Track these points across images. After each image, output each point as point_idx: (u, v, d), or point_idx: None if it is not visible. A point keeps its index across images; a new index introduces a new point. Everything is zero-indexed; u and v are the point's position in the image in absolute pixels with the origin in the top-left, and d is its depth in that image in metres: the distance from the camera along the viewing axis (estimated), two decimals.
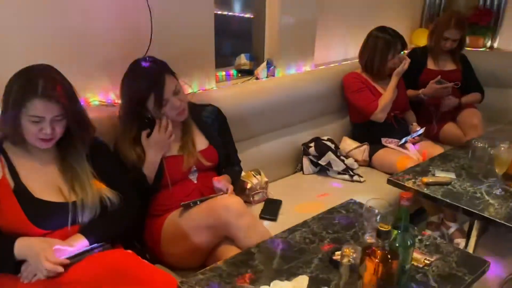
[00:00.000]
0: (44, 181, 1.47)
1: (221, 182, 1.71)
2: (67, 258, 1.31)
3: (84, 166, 1.53)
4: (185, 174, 1.78)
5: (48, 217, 1.43)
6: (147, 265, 1.36)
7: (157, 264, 1.70)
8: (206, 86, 2.31)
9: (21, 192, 1.41)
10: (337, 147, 2.56)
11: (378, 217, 1.33)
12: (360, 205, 1.70)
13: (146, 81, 1.65)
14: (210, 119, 1.91)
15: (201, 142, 1.85)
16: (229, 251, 1.55)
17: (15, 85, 1.38)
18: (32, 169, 1.47)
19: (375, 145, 2.60)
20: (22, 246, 1.33)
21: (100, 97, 1.99)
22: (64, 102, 1.40)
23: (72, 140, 1.51)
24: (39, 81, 1.36)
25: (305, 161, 2.48)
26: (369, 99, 2.57)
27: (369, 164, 2.61)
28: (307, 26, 2.70)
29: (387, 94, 2.55)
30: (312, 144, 2.48)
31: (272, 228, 1.89)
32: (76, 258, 1.32)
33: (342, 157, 2.48)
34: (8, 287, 1.35)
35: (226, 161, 1.93)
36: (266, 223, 1.98)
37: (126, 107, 1.71)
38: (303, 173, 2.49)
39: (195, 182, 1.80)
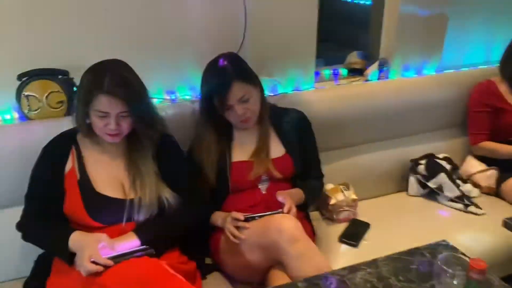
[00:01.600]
0: (108, 175, 1.48)
1: (283, 197, 1.52)
2: (110, 259, 1.29)
3: (148, 164, 1.50)
4: (253, 183, 1.64)
5: (105, 212, 1.43)
6: (176, 279, 1.27)
7: (217, 272, 1.62)
8: (303, 86, 2.12)
9: (84, 184, 1.44)
10: (455, 167, 2.14)
11: (455, 281, 1.01)
12: (454, 249, 1.36)
13: (214, 81, 1.55)
14: (291, 125, 1.73)
15: (276, 149, 1.69)
16: (278, 278, 1.37)
17: (85, 79, 1.41)
18: (99, 162, 1.49)
19: (508, 172, 2.10)
20: (74, 241, 1.35)
21: (191, 91, 1.96)
22: (129, 99, 1.37)
23: (139, 137, 1.49)
24: (106, 77, 1.36)
25: (412, 180, 2.13)
26: (480, 127, 2.18)
27: (496, 193, 2.13)
28: (435, 19, 2.27)
29: (504, 150, 2.11)
30: (423, 162, 2.11)
31: (350, 255, 1.67)
32: (117, 259, 1.30)
33: (458, 181, 2.06)
34: (65, 270, 1.38)
35: (305, 173, 1.73)
36: (344, 247, 1.74)
37: (201, 104, 1.64)
38: (407, 194, 2.14)
39: (264, 192, 1.65)
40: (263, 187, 1.66)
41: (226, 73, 1.53)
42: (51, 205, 1.44)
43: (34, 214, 1.44)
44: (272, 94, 2.01)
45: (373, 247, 1.72)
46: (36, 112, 1.68)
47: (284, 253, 1.35)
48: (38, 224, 1.43)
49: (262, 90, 1.67)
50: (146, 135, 1.49)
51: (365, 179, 2.09)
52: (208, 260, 1.68)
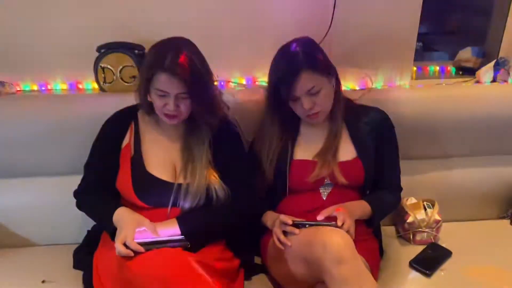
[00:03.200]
0: (162, 156, 1.44)
1: (331, 210, 1.34)
2: (142, 244, 1.24)
3: (202, 151, 1.42)
4: (314, 185, 1.47)
5: (151, 193, 1.39)
6: (200, 280, 1.17)
7: (263, 274, 1.51)
8: (398, 81, 1.86)
9: (136, 162, 1.41)
10: None
11: None
12: None
13: (282, 67, 1.39)
14: (368, 126, 1.51)
15: (346, 152, 1.49)
16: None
17: (148, 56, 1.36)
18: (156, 142, 1.45)
19: None
20: (118, 217, 1.33)
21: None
22: (188, 80, 1.30)
23: (198, 121, 1.42)
24: (167, 55, 1.29)
25: None
26: None
27: None
28: None
29: None
30: None
31: (418, 285, 1.45)
32: (149, 246, 1.24)
33: None
34: (111, 244, 1.38)
35: (378, 182, 1.51)
36: (414, 274, 1.50)
37: (267, 92, 1.49)
38: (511, 224, 1.78)
39: (324, 198, 1.47)
40: (324, 192, 1.48)
41: (295, 60, 1.36)
42: (106, 178, 1.43)
43: (89, 185, 1.46)
44: (356, 89, 1.80)
45: (449, 281, 1.46)
46: (110, 84, 1.70)
47: (327, 273, 1.17)
48: (91, 195, 1.44)
49: (338, 83, 1.47)
50: (204, 120, 1.41)
51: (457, 198, 1.78)
52: (257, 260, 1.57)
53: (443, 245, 1.62)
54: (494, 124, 1.76)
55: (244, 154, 1.53)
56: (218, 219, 1.40)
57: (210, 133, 1.44)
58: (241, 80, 1.84)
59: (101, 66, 1.67)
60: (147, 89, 1.36)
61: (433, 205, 1.67)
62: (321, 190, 1.48)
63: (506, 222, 1.80)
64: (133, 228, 1.28)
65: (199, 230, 1.36)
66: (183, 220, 1.35)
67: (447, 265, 1.54)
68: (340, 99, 1.49)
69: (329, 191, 1.47)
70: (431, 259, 1.55)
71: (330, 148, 1.48)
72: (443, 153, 1.80)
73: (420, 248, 1.61)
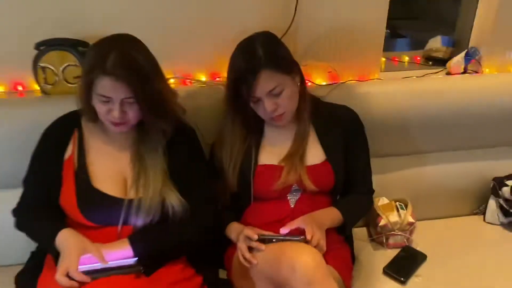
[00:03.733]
0: (110, 169, 1.29)
1: (297, 225, 1.23)
2: (89, 273, 1.10)
3: (156, 160, 1.28)
4: (281, 192, 1.35)
5: (99, 211, 1.24)
6: None
7: None
8: (367, 75, 1.76)
9: (81, 176, 1.26)
10: None
11: None
12: None
13: (241, 66, 1.26)
14: (338, 127, 1.40)
15: (314, 155, 1.38)
16: None
17: (88, 58, 1.21)
18: (102, 152, 1.30)
19: None
20: (59, 240, 1.18)
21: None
22: (134, 83, 1.15)
23: (149, 127, 1.27)
24: (109, 55, 1.14)
25: (492, 204, 1.70)
26: None
27: None
28: None
29: None
30: (509, 183, 1.67)
31: None
32: (96, 274, 1.10)
33: None
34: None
35: (349, 186, 1.41)
36: (389, 282, 1.42)
37: (227, 91, 1.35)
38: (484, 220, 1.72)
39: (292, 206, 1.36)
40: (292, 199, 1.37)
41: (254, 58, 1.23)
42: (48, 194, 1.27)
43: (29, 202, 1.29)
44: (323, 84, 1.68)
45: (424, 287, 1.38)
46: (52, 86, 1.52)
47: None
48: (31, 213, 1.28)
49: (303, 81, 1.36)
50: (155, 126, 1.26)
51: (430, 196, 1.71)
52: (222, 274, 1.45)
53: (417, 248, 1.54)
54: (467, 117, 1.69)
55: (204, 161, 1.40)
56: (176, 237, 1.27)
57: (164, 139, 1.30)
58: (200, 77, 1.69)
59: (40, 66, 1.49)
60: (89, 95, 1.20)
61: (406, 206, 1.59)
62: (288, 197, 1.37)
63: (479, 218, 1.74)
64: (77, 255, 1.13)
65: (154, 250, 1.23)
66: (136, 239, 1.22)
67: (422, 269, 1.46)
68: (305, 98, 1.37)
69: (297, 198, 1.37)
70: (405, 265, 1.47)
71: (297, 152, 1.36)
72: (415, 149, 1.72)
73: (393, 253, 1.53)
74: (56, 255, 1.17)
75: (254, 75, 1.21)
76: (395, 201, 1.61)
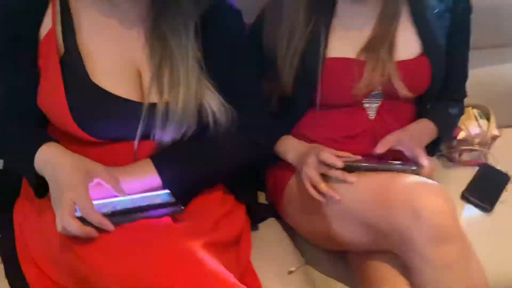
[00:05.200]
0: (114, 54, 0.84)
1: (408, 145, 0.88)
2: (107, 215, 0.71)
3: (186, 43, 0.83)
4: (356, 98, 0.97)
5: (105, 119, 0.82)
6: (202, 270, 0.69)
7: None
8: None
9: (71, 66, 0.80)
10: None
11: None
12: None
13: None
14: (440, 10, 0.98)
15: (407, 46, 0.97)
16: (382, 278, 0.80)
17: None
18: (102, 30, 0.83)
19: None
20: (43, 160, 0.76)
21: None
22: None
23: None
24: None
25: None
26: None
27: None
28: None
29: None
30: None
31: (478, 224, 1.06)
32: (119, 217, 0.71)
33: None
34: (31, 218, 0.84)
35: (442, 89, 1.04)
36: (469, 210, 1.13)
37: None
38: None
39: (371, 117, 0.98)
40: (371, 108, 0.99)
41: None
42: (17, 94, 0.83)
43: None
44: None
45: None
46: None
47: (417, 254, 0.74)
48: None
49: None
50: None
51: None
52: (261, 197, 1.11)
53: (497, 166, 1.24)
54: None
55: (248, 48, 0.96)
56: (220, 157, 0.88)
57: (196, 12, 0.84)
58: None
59: None
60: None
61: (488, 116, 1.26)
62: (365, 105, 0.99)
63: None
64: (84, 184, 0.73)
65: (194, 173, 0.85)
66: (164, 162, 0.83)
67: (507, 194, 1.18)
68: None
69: (377, 106, 0.99)
70: (487, 188, 1.18)
71: (383, 40, 0.95)
72: (500, 41, 1.34)
73: (468, 172, 1.23)
74: (36, 183, 0.77)
75: None
76: (472, 108, 1.28)
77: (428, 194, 0.73)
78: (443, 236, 0.71)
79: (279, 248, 1.01)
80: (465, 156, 1.25)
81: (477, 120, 1.26)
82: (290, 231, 1.06)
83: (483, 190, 1.17)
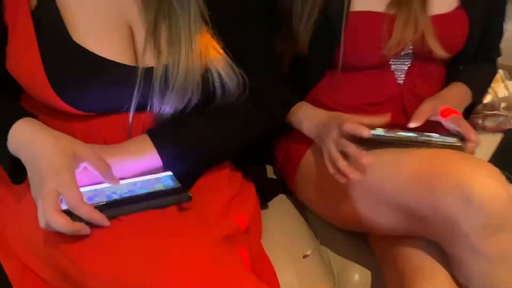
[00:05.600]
0: (99, 7, 0.68)
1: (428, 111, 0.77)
2: (100, 207, 0.58)
3: None
4: (386, 58, 0.84)
5: (91, 88, 0.67)
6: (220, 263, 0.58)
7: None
8: None
9: (46, 22, 0.65)
10: None
11: None
12: None
13: None
14: None
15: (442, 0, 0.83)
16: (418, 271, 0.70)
17: None
18: None
19: None
20: (19, 140, 0.62)
21: None
22: None
23: None
24: None
25: None
26: None
27: None
28: None
29: None
30: None
31: None
32: (115, 209, 0.58)
33: None
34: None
35: (480, 48, 0.91)
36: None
37: None
38: None
39: (400, 81, 0.86)
40: (400, 69, 0.86)
41: None
42: None
43: None
44: None
45: None
46: None
47: (467, 245, 0.64)
48: None
49: None
50: None
51: None
52: (269, 171, 1.00)
53: None
54: None
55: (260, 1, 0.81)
56: (230, 129, 0.75)
57: None
58: None
59: None
60: None
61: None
62: (393, 67, 0.86)
63: None
64: (70, 169, 0.59)
65: (201, 151, 0.72)
66: (165, 137, 0.70)
67: None
68: None
69: (406, 67, 0.86)
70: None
71: None
72: None
73: (491, 139, 1.13)
74: (12, 167, 0.63)
75: None
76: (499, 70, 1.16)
77: (481, 177, 0.62)
78: (497, 224, 0.61)
79: (291, 228, 0.91)
80: (489, 122, 1.15)
81: (503, 81, 1.15)
82: (301, 208, 0.96)
83: (508, 159, 1.08)
